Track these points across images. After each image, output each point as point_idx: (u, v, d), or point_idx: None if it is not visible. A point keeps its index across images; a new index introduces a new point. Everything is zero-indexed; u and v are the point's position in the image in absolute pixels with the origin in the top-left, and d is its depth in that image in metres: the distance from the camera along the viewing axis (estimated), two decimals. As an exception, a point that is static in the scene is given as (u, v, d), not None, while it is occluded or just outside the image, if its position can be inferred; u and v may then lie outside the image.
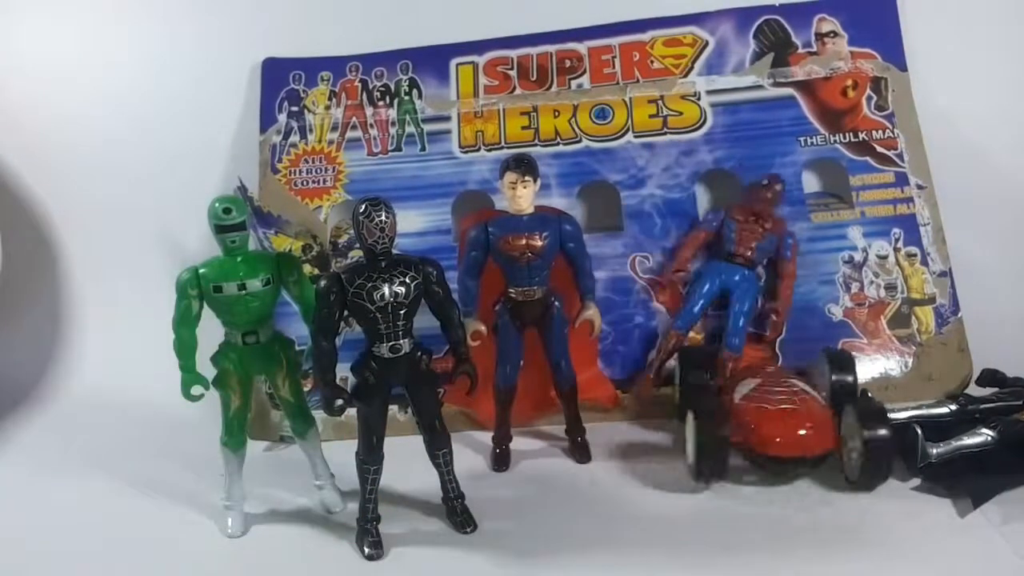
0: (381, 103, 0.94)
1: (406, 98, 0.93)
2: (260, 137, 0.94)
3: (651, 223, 0.87)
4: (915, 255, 0.83)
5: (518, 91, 0.92)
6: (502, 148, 0.90)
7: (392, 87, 0.94)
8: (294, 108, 0.94)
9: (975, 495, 0.59)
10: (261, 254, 0.72)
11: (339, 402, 0.62)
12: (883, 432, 0.58)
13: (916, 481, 0.63)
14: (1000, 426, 0.62)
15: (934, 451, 0.62)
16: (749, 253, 0.77)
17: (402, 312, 0.61)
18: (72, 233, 0.97)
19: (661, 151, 0.89)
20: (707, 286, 0.76)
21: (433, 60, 0.94)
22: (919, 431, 0.62)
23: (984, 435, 0.62)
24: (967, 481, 0.60)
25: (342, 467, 0.69)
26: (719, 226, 0.82)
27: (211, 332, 0.67)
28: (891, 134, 0.86)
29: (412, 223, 0.89)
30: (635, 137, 0.89)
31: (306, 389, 0.73)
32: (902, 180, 0.85)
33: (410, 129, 0.92)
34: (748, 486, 0.65)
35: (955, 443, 0.62)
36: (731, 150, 0.88)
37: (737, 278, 0.76)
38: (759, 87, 0.89)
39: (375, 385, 0.62)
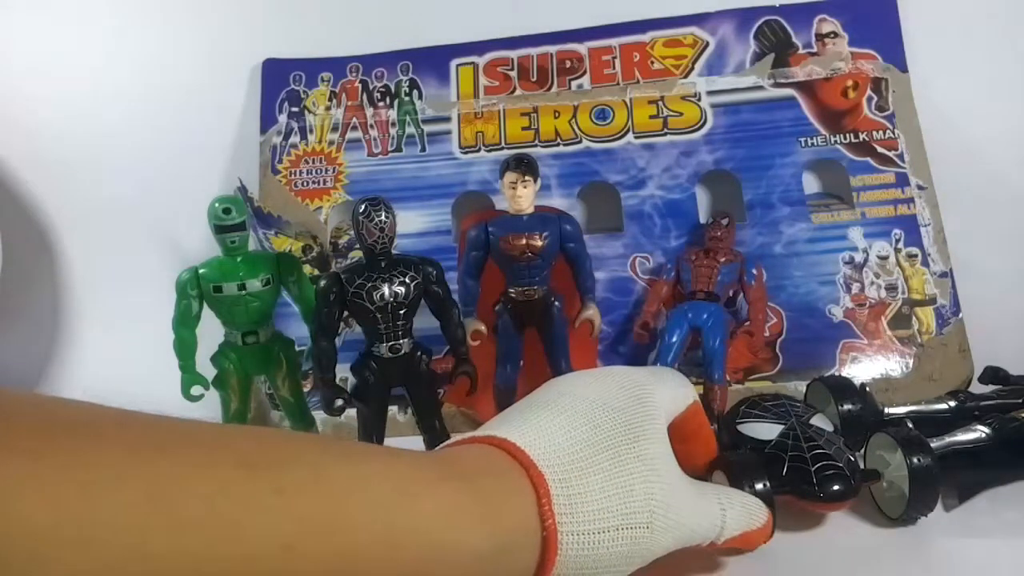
0: (381, 104, 0.94)
1: (406, 99, 0.93)
2: (260, 138, 0.94)
3: (651, 224, 0.86)
4: (916, 256, 0.83)
5: (518, 92, 0.92)
6: (502, 149, 0.90)
7: (392, 88, 0.94)
8: (294, 109, 0.94)
9: (962, 490, 0.59)
10: (261, 254, 0.72)
11: (339, 402, 0.61)
12: (928, 459, 0.54)
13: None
14: (996, 423, 0.62)
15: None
16: (709, 288, 0.77)
17: (402, 312, 0.61)
18: (72, 233, 0.97)
19: (661, 152, 0.88)
20: (676, 333, 0.75)
21: (433, 61, 0.94)
22: (910, 426, 0.62)
23: (979, 432, 0.62)
24: (956, 476, 0.60)
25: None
26: (676, 273, 0.81)
27: (211, 332, 0.67)
28: (892, 135, 0.86)
29: (412, 223, 0.88)
30: (635, 138, 0.89)
31: (306, 389, 0.72)
32: (903, 181, 0.85)
33: (410, 130, 0.92)
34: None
35: (948, 439, 0.62)
36: (732, 151, 0.88)
37: (705, 316, 0.75)
38: (759, 88, 0.89)
39: (375, 385, 0.62)
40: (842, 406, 0.66)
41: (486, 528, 0.33)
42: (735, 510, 0.44)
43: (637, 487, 0.38)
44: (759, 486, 0.52)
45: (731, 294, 0.79)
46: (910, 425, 0.63)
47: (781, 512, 0.53)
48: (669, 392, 0.46)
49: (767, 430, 0.60)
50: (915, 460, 0.54)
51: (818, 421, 0.61)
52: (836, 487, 0.54)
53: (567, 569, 0.35)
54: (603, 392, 0.42)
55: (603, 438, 0.39)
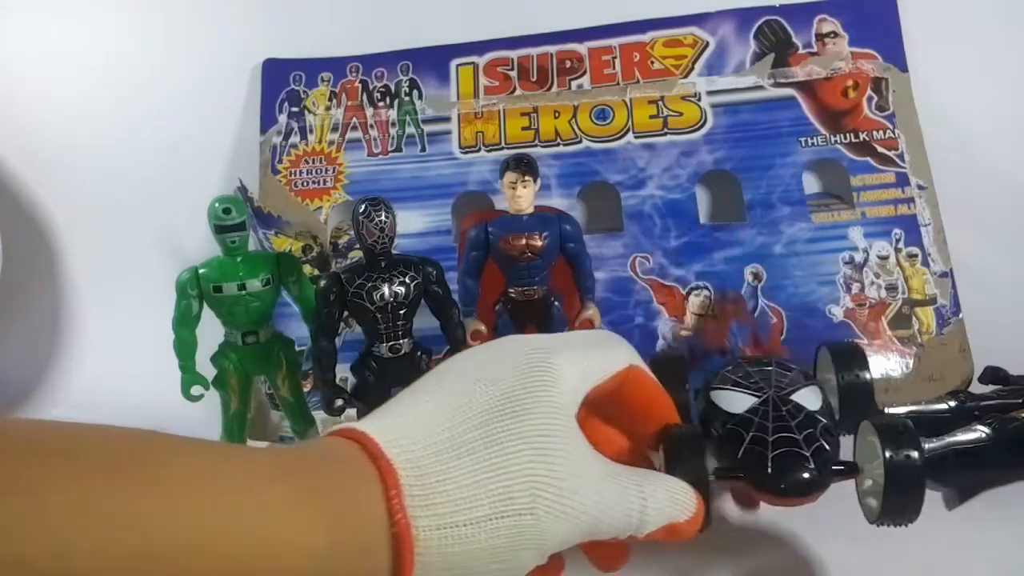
0: (381, 104, 0.94)
1: (406, 99, 0.93)
2: (260, 138, 0.94)
3: (651, 224, 0.86)
4: (916, 256, 0.83)
5: (518, 92, 0.92)
6: (502, 149, 0.90)
7: (392, 88, 0.94)
8: (294, 109, 0.94)
9: (962, 490, 0.59)
10: (261, 254, 0.72)
11: (339, 402, 0.62)
12: (912, 454, 0.45)
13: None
14: (996, 423, 0.62)
15: (927, 446, 0.62)
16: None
17: (402, 312, 0.61)
18: (72, 233, 0.97)
19: (661, 152, 0.88)
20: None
21: (433, 61, 0.94)
22: (911, 426, 0.62)
23: (979, 432, 0.62)
24: (956, 476, 0.60)
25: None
26: None
27: (211, 332, 0.67)
28: (892, 134, 0.86)
29: (412, 223, 0.88)
30: (635, 138, 0.89)
31: (306, 389, 0.72)
32: (903, 180, 0.85)
33: (410, 130, 0.92)
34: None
35: (948, 439, 0.62)
36: (732, 151, 0.88)
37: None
38: (759, 88, 0.89)
39: (375, 385, 0.62)
40: (843, 377, 0.54)
41: (322, 526, 0.30)
42: (659, 498, 0.38)
43: (516, 468, 0.33)
44: (692, 468, 0.42)
45: (747, 353, 0.75)
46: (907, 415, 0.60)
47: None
48: (578, 357, 0.39)
49: (739, 401, 0.50)
50: (894, 455, 0.44)
51: (804, 396, 0.50)
52: (791, 477, 0.45)
53: (434, 569, 0.32)
54: (486, 365, 0.38)
55: (476, 415, 0.35)
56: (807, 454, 0.45)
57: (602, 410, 0.42)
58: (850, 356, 0.55)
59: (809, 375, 0.54)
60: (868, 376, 0.54)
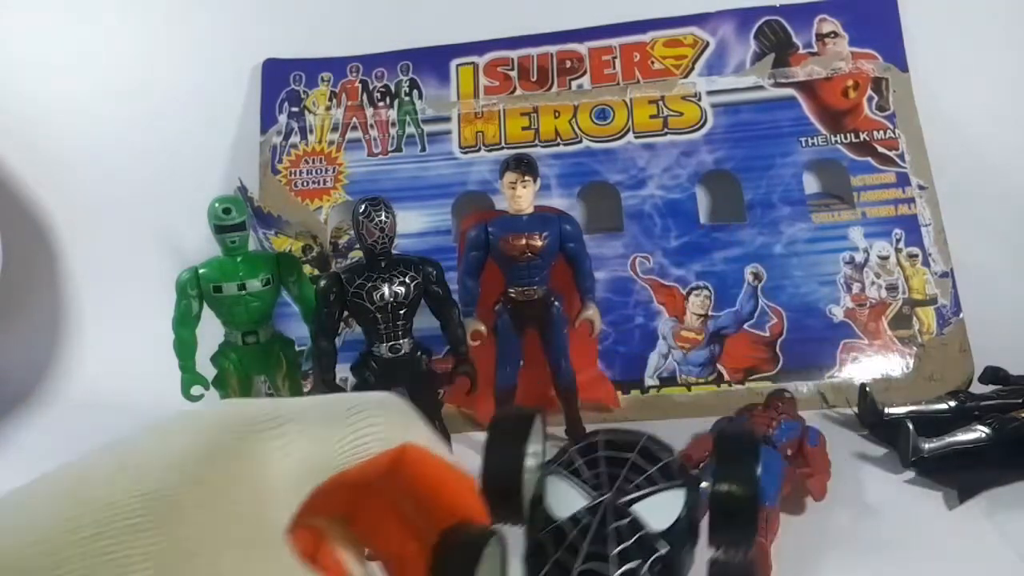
0: (381, 104, 0.94)
1: (406, 99, 0.93)
2: (260, 138, 0.94)
3: (651, 224, 0.86)
4: (916, 256, 0.83)
5: (518, 92, 0.92)
6: (502, 149, 0.90)
7: (392, 88, 0.94)
8: (294, 109, 0.94)
9: (962, 489, 0.59)
10: (261, 254, 0.72)
11: (339, 402, 0.61)
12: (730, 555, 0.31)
13: (909, 474, 0.63)
14: (996, 423, 0.63)
15: (926, 446, 0.62)
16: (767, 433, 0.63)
17: (402, 312, 0.61)
18: (72, 233, 0.97)
19: (661, 152, 0.88)
20: None
21: (433, 61, 0.94)
22: (911, 426, 0.62)
23: (978, 431, 0.62)
24: (956, 476, 0.60)
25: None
26: None
27: (211, 332, 0.67)
28: (892, 134, 0.86)
29: (412, 223, 0.88)
30: (636, 137, 0.89)
31: (306, 389, 0.73)
32: (903, 180, 0.85)
33: (410, 130, 0.92)
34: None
35: (948, 439, 0.62)
36: (732, 151, 0.88)
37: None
38: (760, 88, 0.89)
39: (375, 385, 0.62)
40: (718, 477, 0.33)
41: None
42: None
43: None
44: None
45: (789, 453, 0.63)
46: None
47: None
48: (309, 437, 0.26)
49: (570, 499, 0.34)
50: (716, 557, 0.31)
51: (655, 505, 0.34)
52: None
53: None
54: (150, 444, 0.24)
55: (93, 523, 0.22)
56: None
57: (389, 498, 0.31)
58: (733, 449, 0.35)
59: (681, 471, 0.35)
60: (752, 478, 0.33)
